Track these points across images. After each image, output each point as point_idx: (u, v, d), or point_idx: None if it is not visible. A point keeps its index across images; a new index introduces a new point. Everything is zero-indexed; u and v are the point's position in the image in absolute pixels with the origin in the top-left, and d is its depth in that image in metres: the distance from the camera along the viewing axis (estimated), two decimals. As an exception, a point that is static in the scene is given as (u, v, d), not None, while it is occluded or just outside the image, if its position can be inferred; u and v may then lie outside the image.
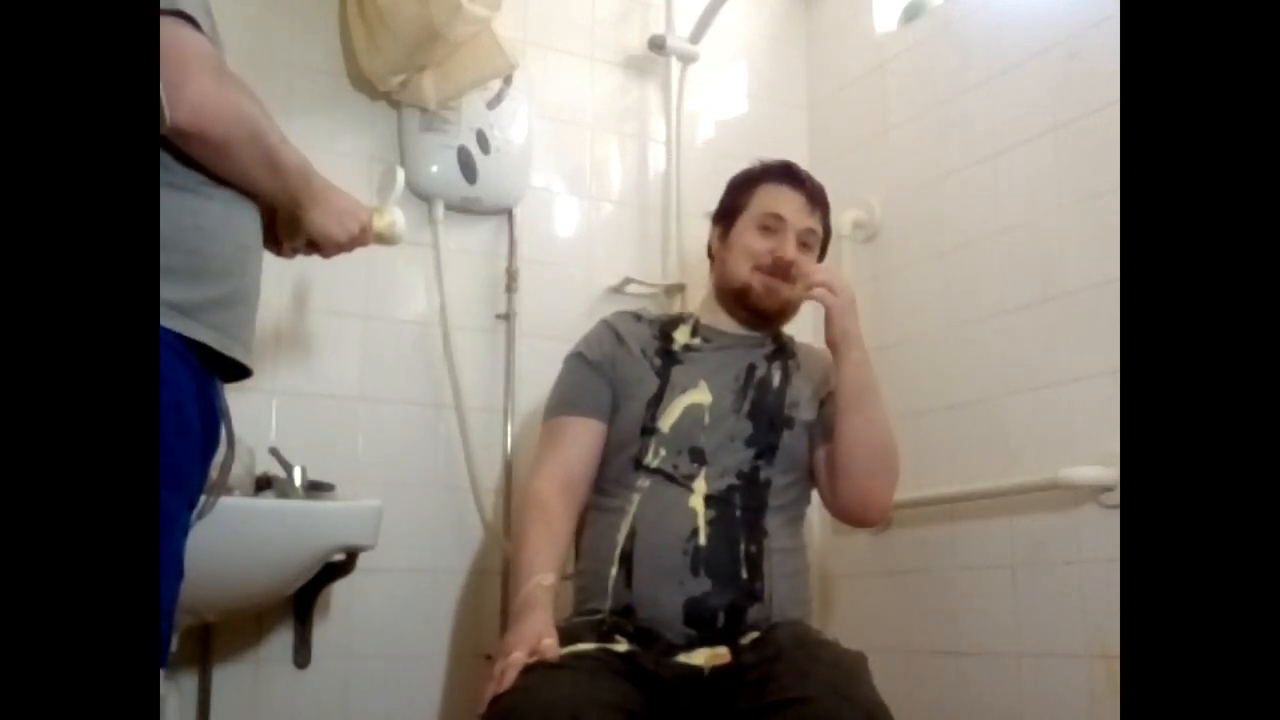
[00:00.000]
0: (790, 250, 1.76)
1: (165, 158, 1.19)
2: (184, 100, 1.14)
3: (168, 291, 1.14)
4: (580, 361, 1.78)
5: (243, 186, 1.27)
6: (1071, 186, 1.95)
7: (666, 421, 1.69)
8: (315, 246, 1.45)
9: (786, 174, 1.82)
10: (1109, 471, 1.80)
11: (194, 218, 1.20)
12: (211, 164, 1.22)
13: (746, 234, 1.79)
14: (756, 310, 1.78)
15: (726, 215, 1.84)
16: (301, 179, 1.34)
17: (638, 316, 1.86)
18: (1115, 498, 1.80)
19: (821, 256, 1.84)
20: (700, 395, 1.71)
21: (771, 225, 1.77)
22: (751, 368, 1.76)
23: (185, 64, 1.15)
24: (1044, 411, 1.96)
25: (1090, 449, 1.84)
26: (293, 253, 1.48)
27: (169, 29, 1.14)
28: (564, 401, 1.76)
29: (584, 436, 1.72)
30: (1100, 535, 1.83)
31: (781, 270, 1.76)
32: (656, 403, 1.70)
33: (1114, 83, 1.77)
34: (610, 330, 1.81)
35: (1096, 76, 1.91)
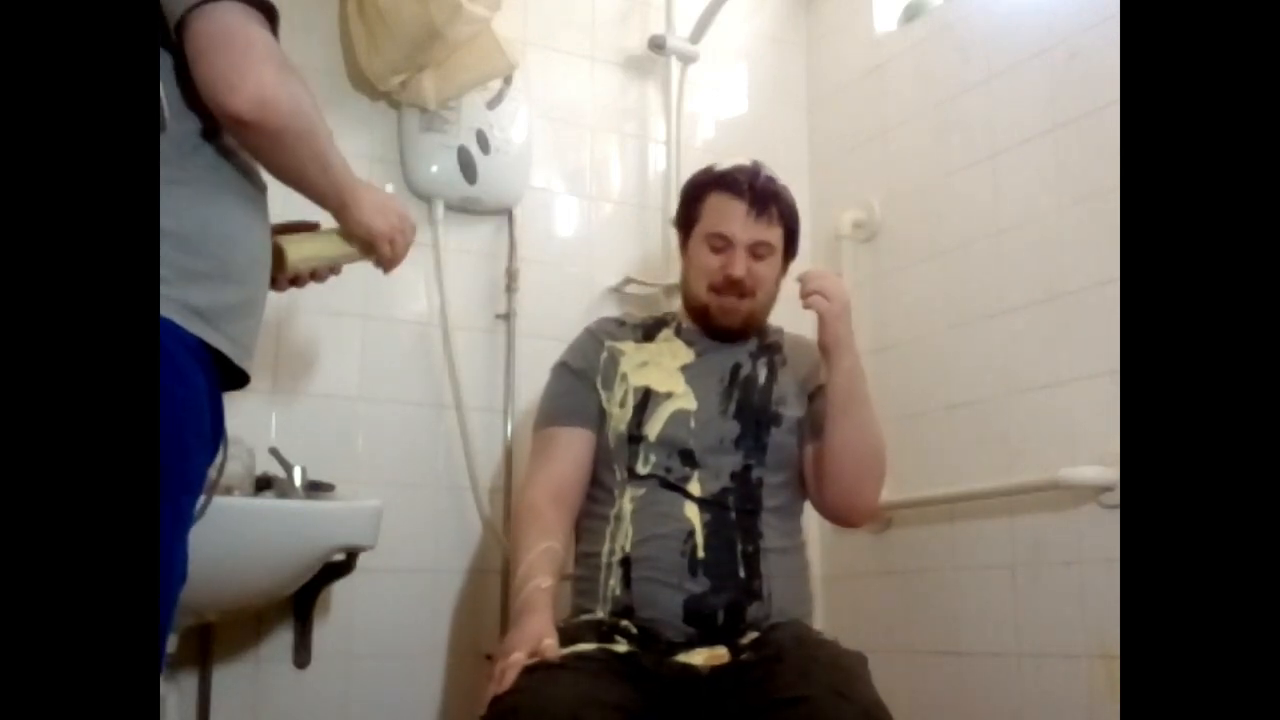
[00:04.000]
0: (739, 268, 1.72)
1: (205, 158, 1.19)
2: (246, 88, 1.14)
3: (193, 295, 1.13)
4: (565, 371, 1.79)
5: (292, 181, 1.27)
6: (1071, 186, 1.95)
7: (653, 429, 1.68)
8: (313, 276, 1.46)
9: (727, 184, 1.75)
10: (1109, 471, 1.80)
11: (221, 223, 1.19)
12: (265, 155, 1.23)
13: (699, 252, 1.77)
14: (719, 328, 1.77)
15: (683, 226, 1.82)
16: (348, 177, 1.35)
17: (621, 322, 1.86)
18: (1115, 498, 1.80)
19: (791, 251, 1.79)
20: (685, 401, 1.71)
21: (718, 245, 1.74)
22: (737, 367, 1.76)
23: (251, 53, 1.15)
24: (1044, 411, 1.96)
25: (1090, 449, 1.84)
26: (288, 285, 1.47)
27: (239, 17, 1.15)
28: (553, 411, 1.77)
29: (574, 446, 1.72)
30: (1100, 535, 1.83)
31: (733, 288, 1.73)
32: (642, 409, 1.70)
33: (1114, 83, 1.77)
34: (593, 338, 1.81)
35: (1096, 76, 1.91)
